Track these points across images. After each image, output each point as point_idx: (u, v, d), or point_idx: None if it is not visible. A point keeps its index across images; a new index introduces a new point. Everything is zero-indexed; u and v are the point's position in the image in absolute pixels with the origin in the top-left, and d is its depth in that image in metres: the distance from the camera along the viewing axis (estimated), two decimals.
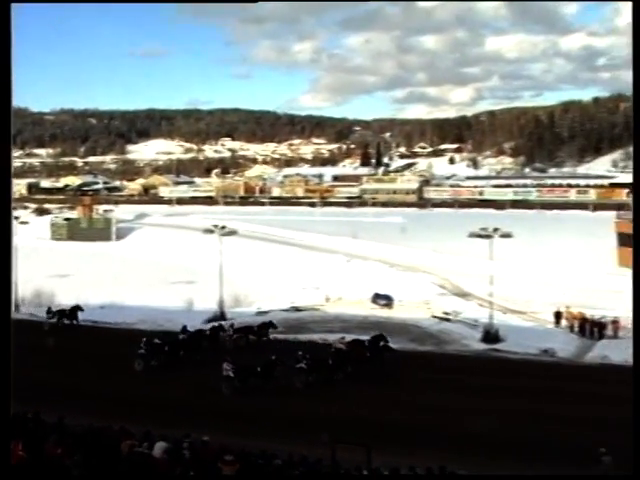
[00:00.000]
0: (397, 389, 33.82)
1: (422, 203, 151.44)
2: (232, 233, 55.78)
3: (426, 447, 25.16)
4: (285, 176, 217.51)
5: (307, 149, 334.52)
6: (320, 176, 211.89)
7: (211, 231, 55.23)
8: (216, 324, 45.15)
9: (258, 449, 19.95)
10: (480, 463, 22.59)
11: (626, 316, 47.35)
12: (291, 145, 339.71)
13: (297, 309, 54.12)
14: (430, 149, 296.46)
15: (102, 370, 36.28)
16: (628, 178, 60.43)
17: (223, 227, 55.02)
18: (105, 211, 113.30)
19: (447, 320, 49.71)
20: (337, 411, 29.98)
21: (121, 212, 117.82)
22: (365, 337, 41.04)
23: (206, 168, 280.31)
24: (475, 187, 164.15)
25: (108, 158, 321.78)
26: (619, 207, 51.55)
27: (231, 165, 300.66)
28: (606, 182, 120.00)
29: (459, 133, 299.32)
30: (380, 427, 27.41)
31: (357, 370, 35.95)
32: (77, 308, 49.55)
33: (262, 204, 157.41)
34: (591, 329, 46.68)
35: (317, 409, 30.34)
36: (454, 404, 31.01)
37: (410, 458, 20.94)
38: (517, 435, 27.34)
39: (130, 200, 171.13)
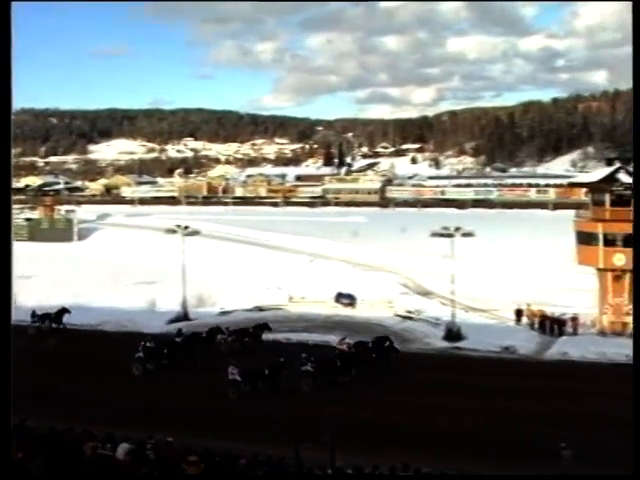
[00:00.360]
0: (363, 389, 34.04)
1: (384, 203, 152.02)
2: (195, 233, 55.57)
3: (395, 445, 25.34)
4: (248, 176, 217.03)
5: (270, 149, 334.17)
6: (283, 176, 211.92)
7: (174, 231, 54.95)
8: (214, 327, 43.91)
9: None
10: (444, 461, 22.81)
11: (585, 313, 48.25)
12: (254, 145, 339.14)
13: (260, 309, 54.07)
14: (392, 149, 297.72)
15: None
16: (586, 178, 61.16)
17: (186, 227, 54.78)
18: (67, 211, 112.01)
19: (410, 319, 50.03)
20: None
21: (83, 212, 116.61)
22: (333, 337, 41.39)
23: (169, 168, 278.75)
24: (437, 187, 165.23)
25: (69, 158, 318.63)
26: (578, 206, 52.02)
27: (194, 165, 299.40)
28: (565, 182, 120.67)
29: (421, 133, 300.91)
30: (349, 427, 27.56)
31: (361, 372, 35.73)
32: (63, 311, 48.11)
33: (225, 204, 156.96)
34: (551, 326, 47.32)
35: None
36: (417, 402, 31.32)
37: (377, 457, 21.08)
38: (478, 433, 27.66)
39: (92, 200, 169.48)
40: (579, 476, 21.16)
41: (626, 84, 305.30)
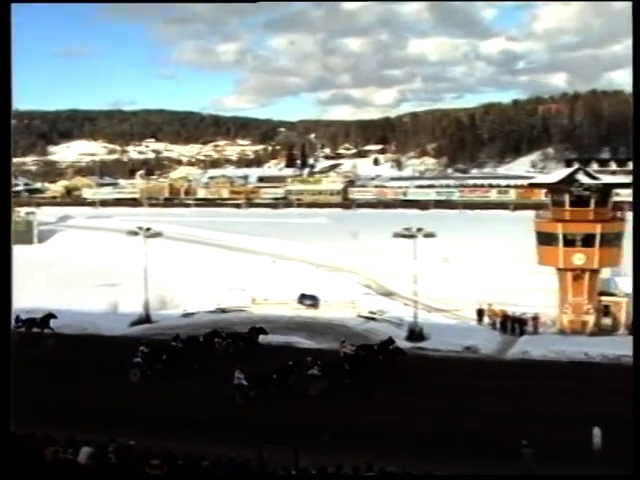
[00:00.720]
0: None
1: (347, 204, 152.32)
2: (157, 235, 55.28)
3: (354, 445, 25.43)
4: (210, 177, 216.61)
5: (232, 150, 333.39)
6: (245, 177, 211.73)
7: (135, 233, 54.55)
8: (212, 330, 43.31)
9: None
10: (406, 459, 22.91)
11: (545, 312, 48.78)
12: (216, 146, 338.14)
13: (223, 310, 53.95)
14: (354, 150, 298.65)
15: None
16: (546, 179, 61.82)
17: (148, 229, 54.44)
18: (26, 214, 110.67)
19: (373, 319, 50.24)
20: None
21: (43, 214, 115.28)
22: (296, 338, 41.44)
23: (130, 169, 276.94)
24: (399, 188, 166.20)
25: (29, 159, 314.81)
26: (538, 207, 52.57)
27: (156, 166, 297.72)
28: (525, 182, 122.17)
29: (383, 134, 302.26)
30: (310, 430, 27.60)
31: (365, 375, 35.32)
32: (50, 316, 46.93)
33: (187, 206, 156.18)
34: (512, 326, 47.81)
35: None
36: (378, 401, 31.45)
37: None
38: (439, 432, 27.84)
39: (52, 202, 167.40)
40: (579, 476, 21.37)
41: (584, 86, 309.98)
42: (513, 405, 30.50)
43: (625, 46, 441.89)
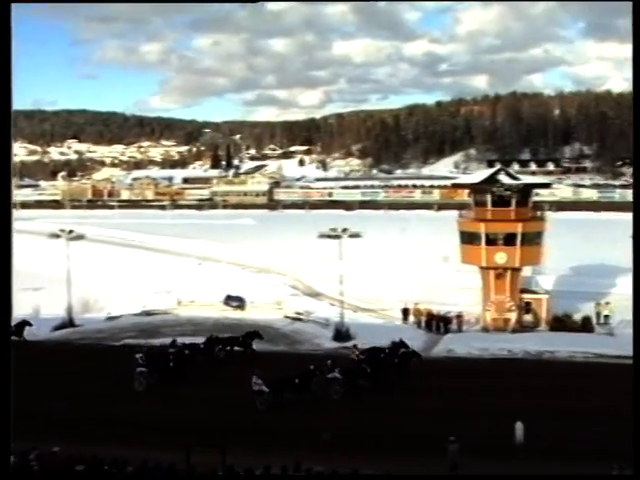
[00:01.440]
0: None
1: (273, 205, 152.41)
2: (80, 237, 54.30)
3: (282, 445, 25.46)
4: (134, 179, 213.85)
5: (156, 151, 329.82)
6: (170, 178, 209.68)
7: (57, 236, 53.51)
8: (212, 336, 41.96)
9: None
10: (334, 458, 23.02)
11: (469, 311, 49.60)
12: (140, 147, 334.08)
13: (148, 313, 53.32)
14: (280, 151, 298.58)
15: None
16: (468, 179, 62.84)
17: (70, 231, 53.43)
18: None
19: (299, 320, 50.28)
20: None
21: None
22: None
23: (52, 171, 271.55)
24: (324, 188, 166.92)
25: None
26: (461, 207, 53.38)
27: (78, 168, 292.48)
28: (449, 183, 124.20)
29: (308, 135, 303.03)
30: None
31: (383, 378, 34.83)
32: (25, 323, 44.68)
33: (111, 207, 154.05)
34: (437, 324, 48.50)
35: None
36: (306, 401, 31.53)
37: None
38: (364, 431, 28.05)
39: None
40: (579, 476, 21.71)
41: (505, 89, 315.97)
42: (440, 402, 30.95)
43: (543, 50, 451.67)
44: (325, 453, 23.76)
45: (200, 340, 41.19)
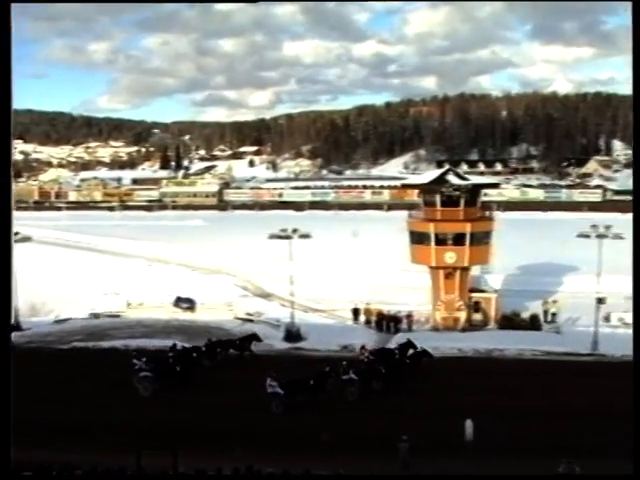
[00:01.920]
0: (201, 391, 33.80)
1: (223, 206, 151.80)
2: (26, 240, 53.48)
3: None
4: (82, 180, 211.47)
5: (105, 152, 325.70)
6: (119, 180, 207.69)
7: None
8: (214, 339, 41.99)
9: None
10: (279, 459, 23.03)
11: (419, 310, 49.96)
12: (88, 148, 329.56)
13: (97, 316, 52.75)
14: (230, 152, 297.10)
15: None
16: (418, 179, 63.30)
17: (16, 233, 52.46)
18: None
19: (250, 321, 50.21)
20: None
21: None
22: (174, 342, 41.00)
23: None
24: (275, 189, 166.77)
25: None
26: (410, 207, 53.67)
27: (24, 169, 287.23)
28: (398, 183, 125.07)
29: (258, 136, 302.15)
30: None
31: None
32: None
33: (58, 209, 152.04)
34: (387, 324, 48.79)
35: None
36: (259, 404, 31.46)
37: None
38: (312, 430, 28.12)
39: None
40: (579, 476, 21.85)
41: (453, 90, 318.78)
42: (389, 401, 31.16)
43: (491, 51, 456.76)
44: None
45: (155, 342, 41.04)
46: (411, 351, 38.31)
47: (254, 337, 42.34)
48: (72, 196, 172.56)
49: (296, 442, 26.78)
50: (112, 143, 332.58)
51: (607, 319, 46.92)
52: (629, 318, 47.28)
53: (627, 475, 12.46)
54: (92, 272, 69.68)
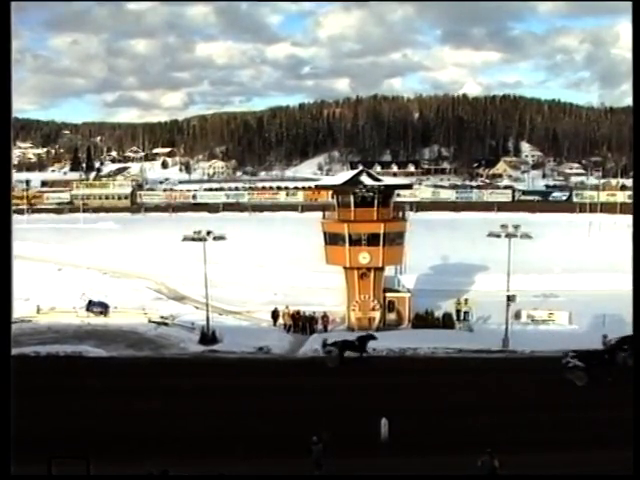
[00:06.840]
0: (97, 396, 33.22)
1: (135, 208, 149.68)
2: None
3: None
4: None
5: (12, 153, 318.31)
6: (27, 182, 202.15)
7: None
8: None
9: None
10: (198, 464, 22.91)
11: (334, 311, 50.27)
12: None
13: None
14: (142, 153, 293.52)
15: None
16: (331, 180, 63.70)
17: None
18: None
19: (164, 324, 49.61)
20: None
21: None
22: (86, 347, 40.38)
23: None
24: (188, 191, 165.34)
25: None
26: (324, 208, 53.88)
27: None
28: (312, 184, 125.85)
29: (171, 137, 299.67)
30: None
31: None
32: None
33: None
34: (303, 325, 48.94)
35: None
36: (167, 408, 31.14)
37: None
38: (224, 432, 28.05)
39: None
40: (579, 476, 21.99)
41: (366, 92, 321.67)
42: (305, 403, 31.26)
43: (402, 55, 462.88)
44: None
45: (66, 348, 40.31)
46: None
47: (370, 337, 41.66)
48: None
49: None
50: (20, 144, 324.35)
51: (517, 316, 48.15)
52: (538, 315, 48.69)
53: (627, 475, 12.74)
54: None
